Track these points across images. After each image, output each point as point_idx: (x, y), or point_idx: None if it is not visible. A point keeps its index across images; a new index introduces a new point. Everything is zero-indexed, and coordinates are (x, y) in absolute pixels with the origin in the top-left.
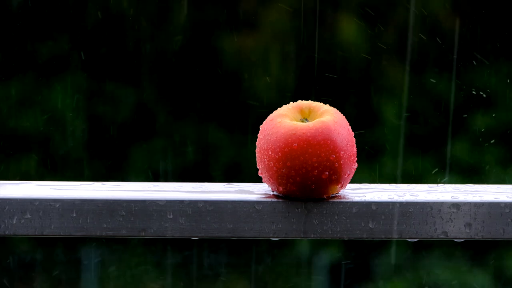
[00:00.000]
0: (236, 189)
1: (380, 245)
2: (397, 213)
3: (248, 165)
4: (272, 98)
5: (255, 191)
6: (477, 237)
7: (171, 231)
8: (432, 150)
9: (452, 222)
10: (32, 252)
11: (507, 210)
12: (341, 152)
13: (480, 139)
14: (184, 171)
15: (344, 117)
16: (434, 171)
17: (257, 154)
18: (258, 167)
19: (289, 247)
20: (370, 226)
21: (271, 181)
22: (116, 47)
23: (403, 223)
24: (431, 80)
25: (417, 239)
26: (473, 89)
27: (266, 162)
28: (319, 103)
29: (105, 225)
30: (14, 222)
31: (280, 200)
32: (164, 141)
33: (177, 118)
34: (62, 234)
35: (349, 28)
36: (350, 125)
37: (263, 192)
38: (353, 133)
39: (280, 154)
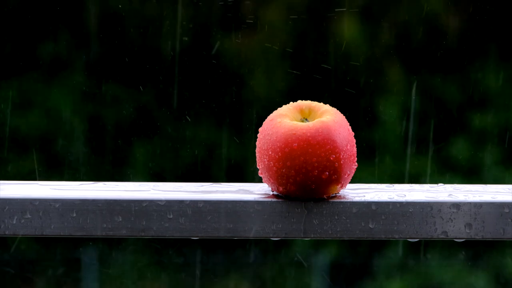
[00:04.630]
0: (236, 189)
1: (380, 245)
2: (397, 213)
3: (248, 165)
4: (272, 98)
5: (255, 191)
6: (477, 237)
7: (171, 231)
8: (432, 150)
9: (452, 222)
10: (32, 252)
11: (507, 210)
12: (341, 152)
13: (480, 139)
14: (184, 171)
15: (344, 117)
16: (434, 171)
17: (257, 154)
18: (258, 167)
19: (289, 247)
20: (370, 226)
21: (271, 181)
22: (116, 48)
23: (403, 223)
24: (431, 80)
25: (417, 239)
26: (473, 89)
27: (266, 162)
28: (319, 103)
29: (105, 225)
30: (14, 222)
31: (280, 200)
32: (164, 141)
33: (177, 118)
34: (62, 234)
35: (349, 28)
36: (350, 125)
37: (263, 192)
38: (353, 133)
39: (280, 154)
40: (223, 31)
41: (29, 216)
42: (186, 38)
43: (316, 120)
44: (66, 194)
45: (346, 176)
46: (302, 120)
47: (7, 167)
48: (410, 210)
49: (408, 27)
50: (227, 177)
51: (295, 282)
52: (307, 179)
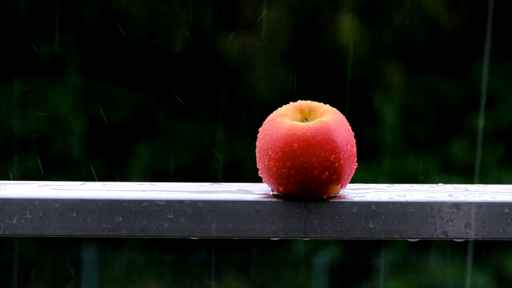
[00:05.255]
0: (236, 189)
1: (380, 245)
2: (397, 213)
3: (248, 165)
4: (272, 98)
5: (255, 191)
6: (477, 237)
7: (171, 231)
8: (432, 150)
9: (452, 222)
10: (32, 252)
11: (507, 210)
12: (341, 152)
13: (480, 139)
14: (184, 171)
15: (344, 117)
16: (434, 171)
17: (257, 154)
18: (258, 167)
19: (288, 247)
20: (370, 226)
21: (271, 181)
22: (116, 47)
23: (403, 223)
24: (431, 79)
25: (417, 239)
26: (473, 88)
27: (266, 162)
28: (319, 103)
29: (105, 225)
30: (14, 222)
31: (280, 200)
32: (164, 141)
33: (177, 118)
34: (62, 234)
35: (348, 28)
36: (350, 125)
37: (263, 192)
38: (353, 133)
39: (280, 154)
40: (223, 30)
41: (29, 216)
42: (186, 38)
43: (316, 120)
44: (66, 194)
45: (346, 176)
46: (302, 120)
47: (7, 167)
48: (410, 210)
49: (408, 27)
50: (226, 177)
51: (295, 282)
52: (307, 179)
